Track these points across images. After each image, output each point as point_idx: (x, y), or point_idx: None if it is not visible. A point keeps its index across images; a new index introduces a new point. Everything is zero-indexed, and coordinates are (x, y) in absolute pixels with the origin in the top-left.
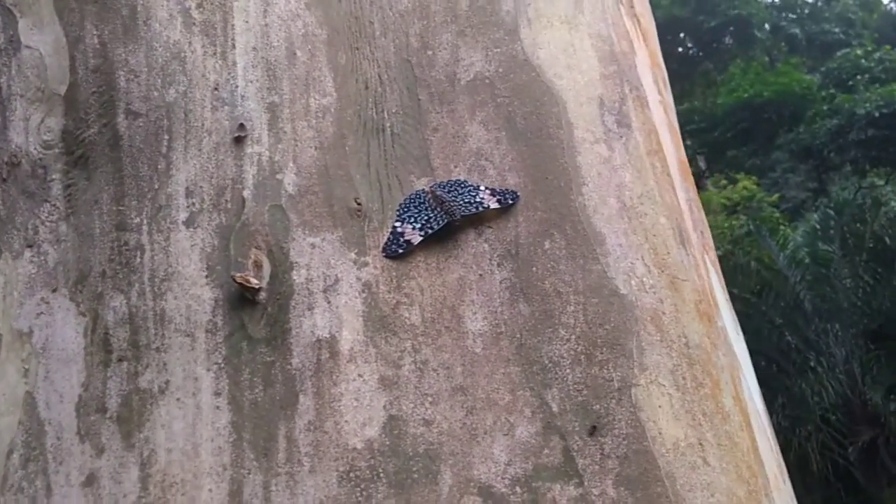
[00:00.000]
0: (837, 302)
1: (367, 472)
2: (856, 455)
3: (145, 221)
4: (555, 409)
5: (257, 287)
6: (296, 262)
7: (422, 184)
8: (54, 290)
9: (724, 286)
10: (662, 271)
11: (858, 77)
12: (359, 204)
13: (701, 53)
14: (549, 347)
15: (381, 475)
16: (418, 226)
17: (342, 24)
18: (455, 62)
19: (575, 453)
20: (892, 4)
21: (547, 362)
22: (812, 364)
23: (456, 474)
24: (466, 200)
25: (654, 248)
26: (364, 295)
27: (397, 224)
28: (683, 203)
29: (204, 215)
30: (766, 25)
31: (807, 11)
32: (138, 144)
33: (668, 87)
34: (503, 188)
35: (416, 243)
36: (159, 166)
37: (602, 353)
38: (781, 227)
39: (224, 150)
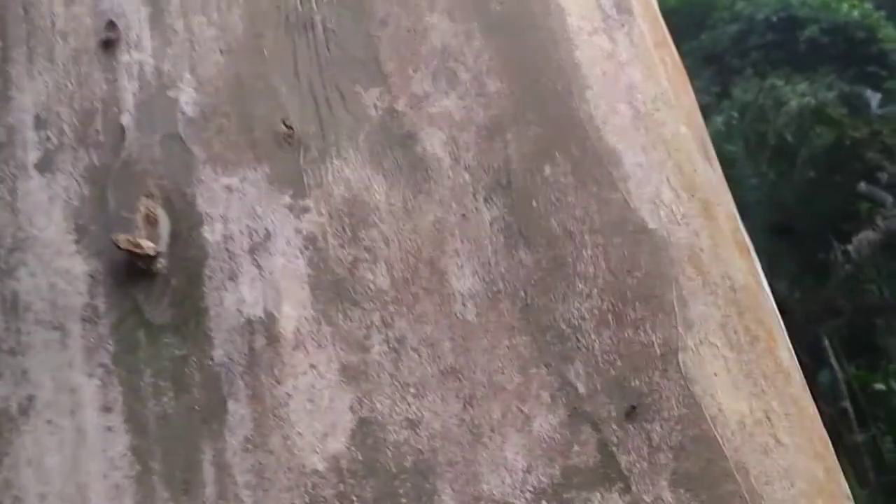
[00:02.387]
0: (743, 199)
1: (336, 502)
2: None
3: None
4: (581, 389)
5: (153, 252)
6: (207, 214)
7: (372, 96)
8: None
9: None
10: (693, 195)
11: None
12: (289, 127)
13: None
14: (565, 307)
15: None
16: None
17: None
18: None
19: (615, 448)
20: None
21: (564, 327)
22: None
23: (459, 492)
24: None
25: (680, 167)
26: (308, 253)
27: None
28: (703, 128)
29: (65, 153)
30: None
31: None
32: None
33: None
34: None
35: None
36: None
37: (635, 310)
38: None
39: (87, 59)
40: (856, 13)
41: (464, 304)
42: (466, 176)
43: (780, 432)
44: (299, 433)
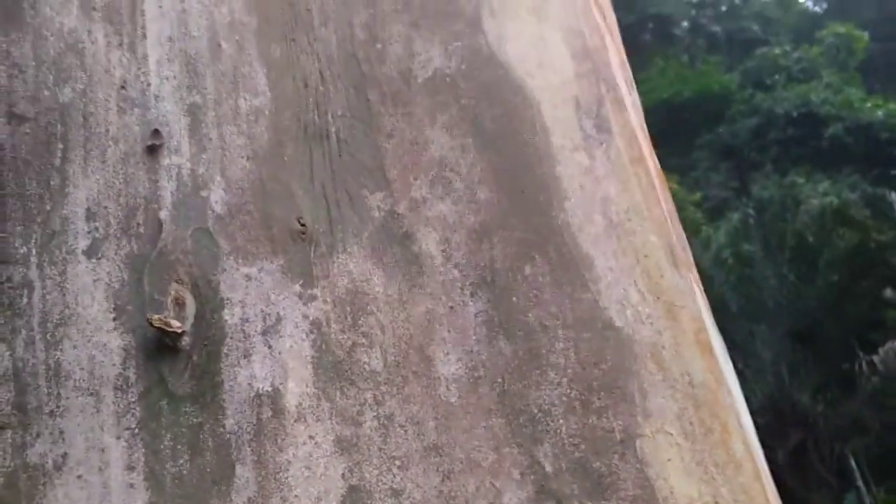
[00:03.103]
0: (763, 302)
1: None
2: (784, 458)
3: (34, 252)
4: (548, 469)
5: (179, 331)
6: (227, 299)
7: (376, 199)
8: None
9: (708, 306)
10: (658, 298)
11: (777, 76)
12: (303, 225)
13: None
14: (538, 393)
15: None
16: None
17: (275, 11)
18: (409, 57)
19: None
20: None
21: (536, 412)
22: (740, 367)
23: None
24: None
25: (647, 272)
26: (313, 336)
27: None
28: (673, 229)
29: (110, 242)
30: (685, 23)
31: (724, 9)
32: (24, 156)
33: (635, 88)
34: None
35: None
36: (52, 182)
37: (600, 399)
38: (703, 227)
39: (134, 161)
40: (880, 113)
41: (447, 388)
42: (456, 272)
43: None
44: (296, 496)
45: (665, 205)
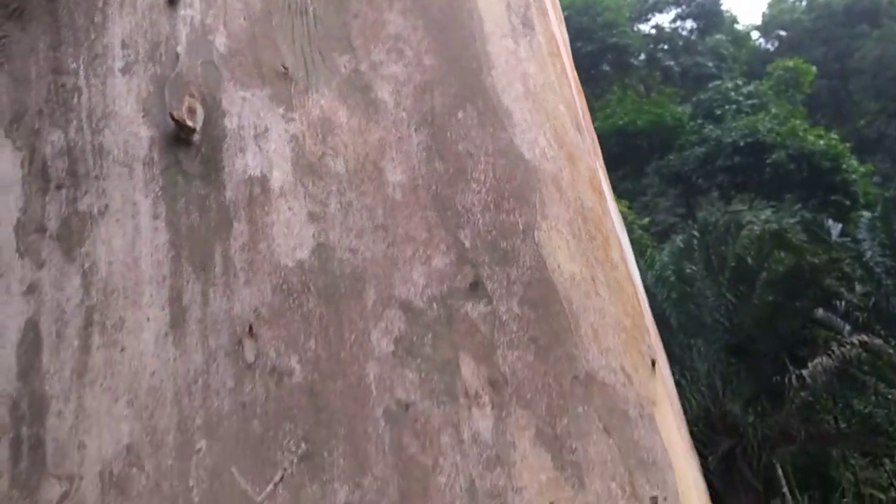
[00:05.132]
0: (701, 318)
1: (299, 285)
2: (715, 465)
3: (82, 67)
4: (467, 245)
5: (192, 128)
6: (228, 111)
7: (343, 60)
8: None
9: (612, 194)
10: (561, 147)
11: (727, 107)
12: (285, 68)
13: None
14: (462, 197)
15: (312, 289)
16: None
17: None
18: None
19: (485, 280)
20: (761, 40)
21: (460, 209)
22: (677, 378)
23: (379, 292)
24: None
25: (555, 128)
26: (292, 144)
27: None
28: (579, 108)
29: (139, 65)
30: (642, 55)
31: (681, 44)
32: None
33: (564, 24)
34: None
35: None
36: (95, 19)
37: (509, 203)
38: (649, 248)
39: (158, 10)
40: (821, 143)
41: (394, 189)
42: (404, 114)
43: (601, 290)
44: (278, 245)
45: (577, 95)
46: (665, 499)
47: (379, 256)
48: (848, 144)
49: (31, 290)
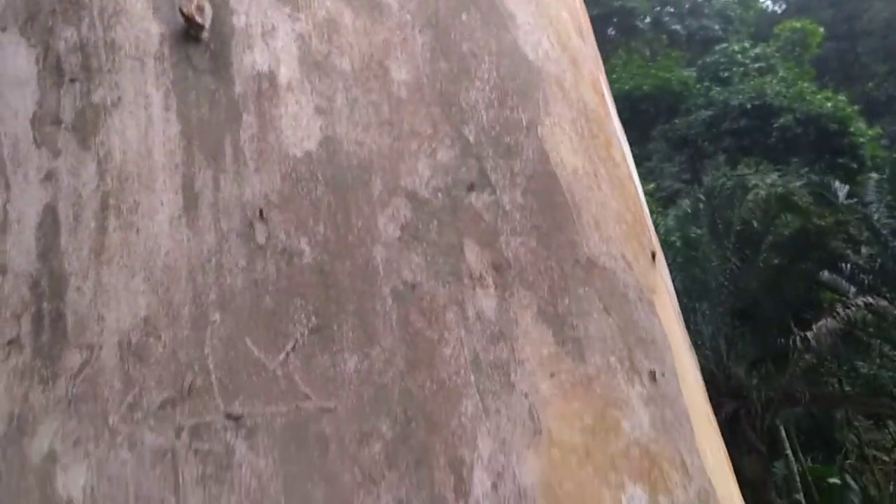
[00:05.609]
0: (706, 282)
1: (307, 174)
2: (719, 426)
3: None
4: (471, 139)
5: (201, 24)
6: (235, 10)
7: None
8: (4, 30)
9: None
10: (564, 51)
11: (734, 70)
12: None
13: None
14: (467, 95)
15: (320, 178)
16: None
17: None
18: None
19: (489, 171)
20: (769, 2)
21: (464, 106)
22: None
23: (385, 182)
24: None
25: (558, 32)
26: (298, 43)
27: None
28: (583, 20)
29: None
30: (648, 19)
31: (687, 6)
32: None
33: None
34: None
35: None
36: None
37: (512, 100)
38: (655, 213)
39: None
40: (829, 105)
41: (399, 87)
42: (408, 16)
43: (603, 185)
44: (287, 136)
45: (580, 8)
46: (663, 374)
47: (385, 149)
48: (856, 107)
49: (49, 177)
